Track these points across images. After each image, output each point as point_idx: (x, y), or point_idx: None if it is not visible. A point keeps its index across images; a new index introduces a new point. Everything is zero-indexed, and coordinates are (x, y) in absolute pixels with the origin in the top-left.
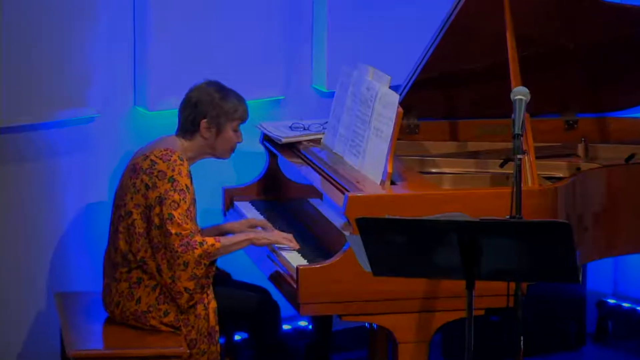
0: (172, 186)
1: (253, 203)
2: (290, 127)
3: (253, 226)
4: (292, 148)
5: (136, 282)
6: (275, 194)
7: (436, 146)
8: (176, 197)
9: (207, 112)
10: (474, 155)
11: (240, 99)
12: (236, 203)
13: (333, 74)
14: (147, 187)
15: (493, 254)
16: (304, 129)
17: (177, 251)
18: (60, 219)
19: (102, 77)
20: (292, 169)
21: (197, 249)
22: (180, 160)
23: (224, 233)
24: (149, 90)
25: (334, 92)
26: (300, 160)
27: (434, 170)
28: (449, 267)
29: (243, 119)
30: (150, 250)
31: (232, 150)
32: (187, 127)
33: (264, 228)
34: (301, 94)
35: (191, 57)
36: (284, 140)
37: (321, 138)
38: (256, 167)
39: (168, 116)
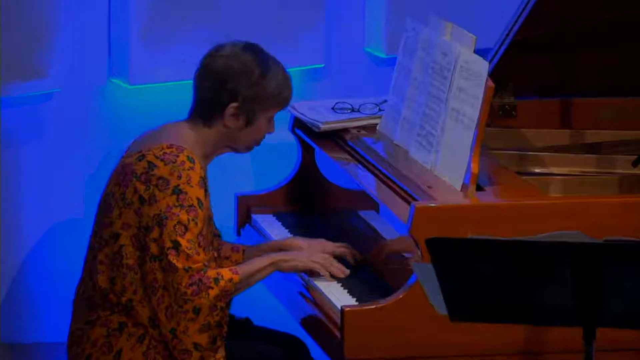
0: (177, 200)
1: (279, 217)
2: (332, 108)
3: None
4: (335, 138)
5: (117, 329)
6: (311, 204)
7: (541, 135)
8: (183, 216)
9: (239, 93)
10: (595, 148)
11: (286, 75)
12: (255, 217)
13: (394, 33)
14: (142, 200)
15: (622, 290)
16: (352, 111)
17: (184, 293)
18: (12, 239)
19: (66, 39)
20: (335, 167)
21: (212, 288)
22: (191, 162)
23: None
24: (129, 57)
25: (396, 57)
26: (346, 156)
27: (537, 169)
28: (558, 309)
29: (285, 104)
30: (142, 290)
31: (258, 143)
32: (206, 109)
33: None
34: (349, 61)
35: (188, 11)
36: (323, 127)
37: (377, 124)
38: (284, 165)
39: (155, 93)
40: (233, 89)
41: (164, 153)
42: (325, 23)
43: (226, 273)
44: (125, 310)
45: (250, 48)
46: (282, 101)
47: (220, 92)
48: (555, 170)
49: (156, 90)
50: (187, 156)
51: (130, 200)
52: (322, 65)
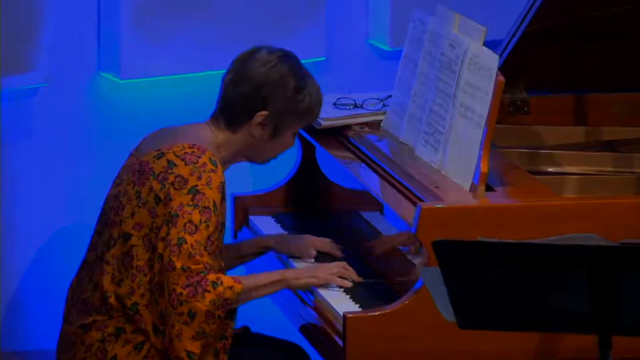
0: (192, 200)
1: (278, 218)
2: (334, 103)
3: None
4: (337, 136)
5: (113, 334)
6: (311, 205)
7: (554, 133)
8: (196, 216)
9: (271, 103)
10: (611, 146)
11: (318, 92)
12: (252, 218)
13: (399, 24)
14: (157, 199)
15: None
16: (355, 107)
17: (180, 294)
18: (4, 236)
19: (54, 32)
20: (337, 166)
21: (209, 292)
22: (213, 164)
23: (259, 250)
24: (119, 50)
25: (401, 50)
26: (349, 154)
27: (551, 168)
28: (572, 316)
29: (313, 121)
30: (149, 295)
31: (276, 157)
32: (234, 113)
33: (328, 255)
34: (351, 54)
35: (182, 2)
36: (324, 124)
37: (381, 120)
38: (283, 164)
39: (146, 87)
40: (266, 98)
41: (185, 153)
42: (326, 14)
43: (227, 280)
44: (126, 315)
45: (288, 58)
46: (311, 118)
47: (253, 99)
48: (569, 169)
49: (147, 85)
50: (210, 158)
51: (145, 200)
52: (323, 59)
